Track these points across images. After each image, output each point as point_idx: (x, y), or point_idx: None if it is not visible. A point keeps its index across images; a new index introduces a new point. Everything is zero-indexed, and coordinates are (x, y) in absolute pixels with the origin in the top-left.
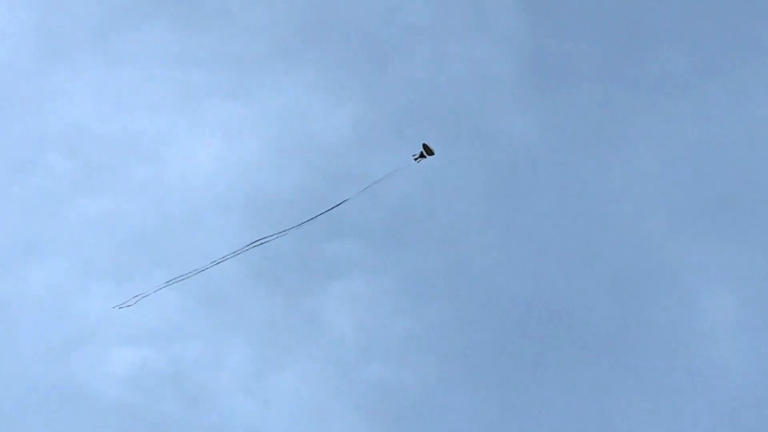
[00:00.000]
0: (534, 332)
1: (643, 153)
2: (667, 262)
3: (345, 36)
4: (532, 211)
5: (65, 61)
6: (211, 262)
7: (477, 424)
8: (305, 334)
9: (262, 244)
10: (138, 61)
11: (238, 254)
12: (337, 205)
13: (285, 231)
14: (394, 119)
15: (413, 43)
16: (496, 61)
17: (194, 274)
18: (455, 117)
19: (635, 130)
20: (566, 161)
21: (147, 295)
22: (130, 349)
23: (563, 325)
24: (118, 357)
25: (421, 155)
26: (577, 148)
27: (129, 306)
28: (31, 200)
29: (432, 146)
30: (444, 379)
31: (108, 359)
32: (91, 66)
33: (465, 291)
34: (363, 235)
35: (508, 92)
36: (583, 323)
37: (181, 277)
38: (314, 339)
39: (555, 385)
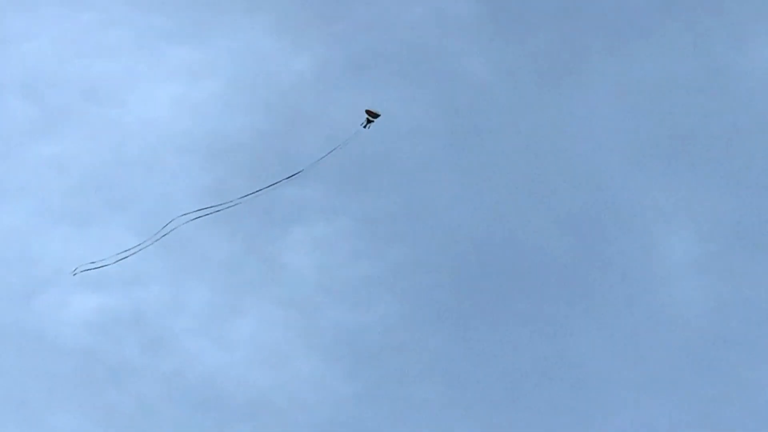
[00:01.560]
0: (493, 272)
1: (601, 93)
2: (625, 202)
3: None
4: (490, 151)
5: (24, 5)
6: (164, 227)
7: (437, 364)
8: (266, 278)
9: (217, 211)
10: (97, 5)
11: (193, 219)
12: (292, 176)
13: (238, 200)
14: (353, 61)
15: None
16: (454, 3)
17: (154, 242)
18: (413, 59)
19: (593, 70)
20: (524, 102)
21: (106, 265)
22: (91, 294)
23: (523, 265)
24: (79, 302)
25: (368, 121)
26: (535, 89)
27: (88, 270)
28: None
29: (375, 109)
30: (404, 320)
31: (69, 304)
32: (50, 10)
33: (424, 232)
34: (322, 179)
35: (467, 33)
36: (543, 263)
37: (140, 247)
38: (275, 282)
39: (514, 324)
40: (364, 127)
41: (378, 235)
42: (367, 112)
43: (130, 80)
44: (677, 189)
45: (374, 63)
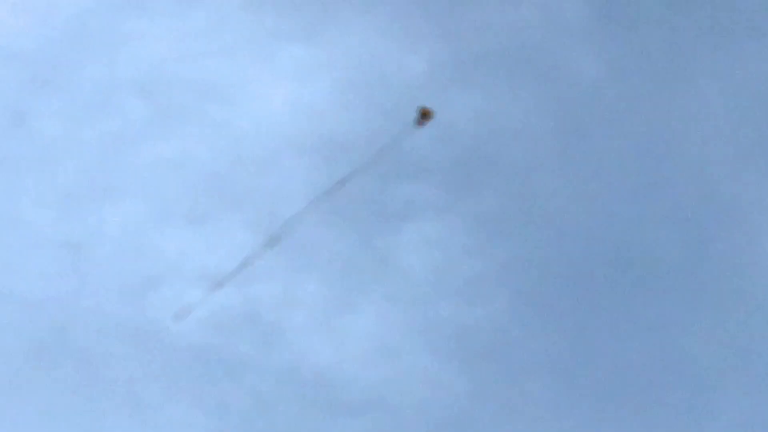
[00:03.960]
0: (603, 270)
1: (710, 92)
2: (735, 201)
3: None
4: (599, 151)
5: (138, 5)
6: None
7: (549, 361)
8: (378, 275)
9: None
10: (210, 4)
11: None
12: (342, 183)
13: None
14: (466, 62)
15: None
16: (563, 2)
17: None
18: (524, 59)
19: (703, 69)
20: (634, 101)
21: (197, 307)
22: (205, 290)
23: (632, 263)
24: (193, 298)
25: (421, 120)
26: (644, 88)
27: (181, 318)
28: (106, 143)
29: (430, 108)
30: (515, 317)
31: (183, 300)
32: (164, 10)
33: (534, 230)
34: (433, 177)
35: (576, 33)
36: (653, 261)
37: (219, 285)
38: (387, 279)
39: (624, 323)
40: (417, 125)
41: (489, 233)
42: (422, 110)
43: (244, 80)
44: None
45: (487, 63)
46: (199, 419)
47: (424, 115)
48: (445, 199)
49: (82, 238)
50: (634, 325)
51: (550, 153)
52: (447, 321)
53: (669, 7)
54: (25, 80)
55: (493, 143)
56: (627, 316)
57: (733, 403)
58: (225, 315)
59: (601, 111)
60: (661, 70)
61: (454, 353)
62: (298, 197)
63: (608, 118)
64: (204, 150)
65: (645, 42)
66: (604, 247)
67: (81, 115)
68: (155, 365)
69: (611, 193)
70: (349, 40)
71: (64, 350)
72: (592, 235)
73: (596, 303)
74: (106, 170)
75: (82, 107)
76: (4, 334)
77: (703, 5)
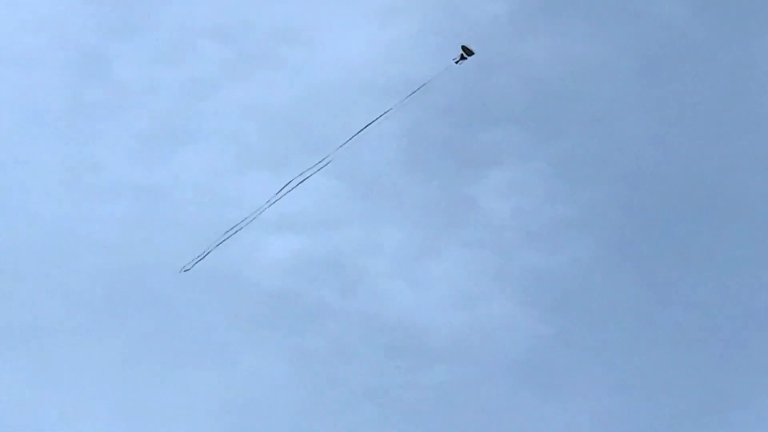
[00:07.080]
0: (687, 213)
1: None
2: None
3: None
4: (683, 92)
5: None
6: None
7: (631, 307)
8: (460, 220)
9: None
10: None
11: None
12: (379, 117)
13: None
14: (547, 2)
15: None
16: None
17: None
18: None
19: None
20: (718, 42)
21: (204, 256)
22: (287, 236)
23: (717, 206)
24: (274, 244)
25: (462, 57)
26: (729, 28)
27: (188, 270)
28: (184, 86)
29: (471, 46)
30: (599, 262)
31: (264, 246)
32: None
33: (618, 173)
34: (516, 121)
35: None
36: (737, 204)
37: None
38: (469, 225)
39: (709, 267)
40: (457, 62)
41: (572, 177)
42: (463, 48)
43: (323, 23)
44: None
45: (568, 3)
46: (279, 365)
47: (466, 54)
48: (529, 142)
49: (159, 183)
50: (719, 269)
51: (634, 94)
52: (529, 266)
53: None
54: (104, 25)
55: (575, 85)
56: (712, 261)
57: None
58: (306, 261)
59: (685, 52)
60: (746, 12)
61: (536, 299)
62: (379, 142)
63: (692, 58)
64: (283, 94)
65: None
66: (688, 191)
67: (160, 59)
68: (234, 311)
69: (696, 135)
70: None
71: (141, 295)
72: (677, 179)
73: (681, 247)
74: (185, 115)
75: (161, 52)
76: (82, 279)
77: None
